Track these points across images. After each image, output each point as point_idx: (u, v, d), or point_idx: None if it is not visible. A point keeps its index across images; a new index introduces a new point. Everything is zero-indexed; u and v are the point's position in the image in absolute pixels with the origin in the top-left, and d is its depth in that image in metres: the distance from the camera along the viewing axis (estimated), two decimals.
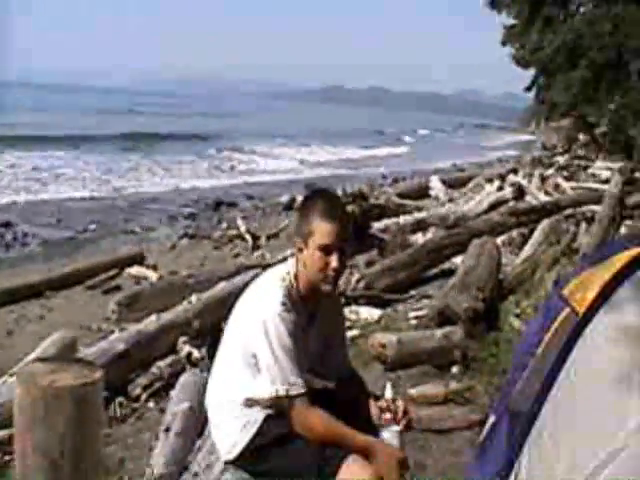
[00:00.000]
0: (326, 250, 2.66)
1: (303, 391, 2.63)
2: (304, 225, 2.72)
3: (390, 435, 2.73)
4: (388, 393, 2.93)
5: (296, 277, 2.76)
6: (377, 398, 2.94)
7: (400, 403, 2.86)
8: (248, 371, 2.70)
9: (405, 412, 2.84)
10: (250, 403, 2.70)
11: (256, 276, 3.09)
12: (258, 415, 2.70)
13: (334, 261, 2.66)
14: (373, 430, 2.77)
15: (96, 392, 2.12)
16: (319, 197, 2.78)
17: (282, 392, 2.61)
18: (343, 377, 3.03)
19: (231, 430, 2.75)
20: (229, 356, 2.82)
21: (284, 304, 2.66)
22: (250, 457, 2.71)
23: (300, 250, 2.75)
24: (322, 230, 2.66)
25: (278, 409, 2.67)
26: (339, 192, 12.43)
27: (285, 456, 2.66)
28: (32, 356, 5.16)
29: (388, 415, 2.81)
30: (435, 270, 8.98)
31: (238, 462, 2.73)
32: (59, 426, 2.02)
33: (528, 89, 34.68)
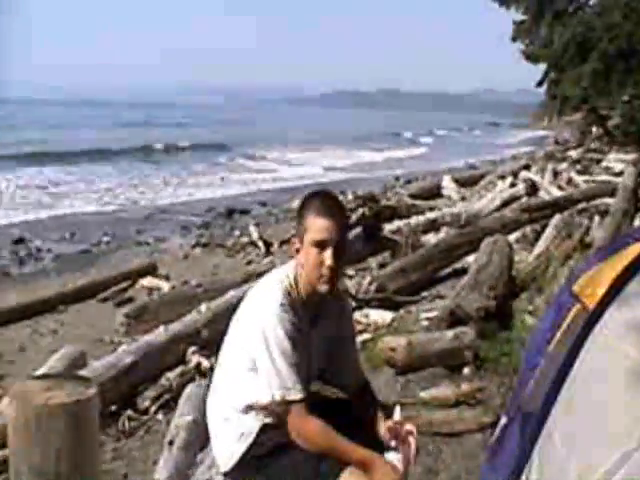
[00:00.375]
0: (320, 246, 2.62)
1: (301, 396, 2.58)
2: (300, 224, 2.70)
3: (394, 458, 2.66)
4: (397, 416, 2.85)
5: (295, 279, 2.72)
6: (388, 415, 2.88)
7: (409, 428, 2.78)
8: (246, 376, 2.66)
9: (411, 435, 2.75)
10: (248, 409, 2.67)
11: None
12: (255, 424, 2.66)
13: (329, 258, 2.61)
14: (379, 447, 2.71)
15: (91, 409, 2.10)
16: (314, 196, 2.75)
17: (278, 397, 2.57)
18: (355, 387, 2.96)
19: (228, 440, 2.71)
20: (228, 362, 2.79)
21: (282, 305, 2.62)
22: (247, 468, 2.66)
23: (297, 251, 2.71)
24: (316, 226, 2.62)
25: (276, 416, 2.63)
26: (350, 195, 12.41)
27: (282, 467, 2.61)
28: (42, 371, 5.17)
29: (393, 443, 2.74)
30: (448, 270, 8.92)
31: (234, 473, 2.68)
32: (54, 445, 2.00)
33: (539, 84, 34.58)
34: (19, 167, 27.52)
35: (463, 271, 8.16)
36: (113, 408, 4.75)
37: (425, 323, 6.49)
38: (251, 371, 2.64)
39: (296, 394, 2.57)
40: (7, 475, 2.94)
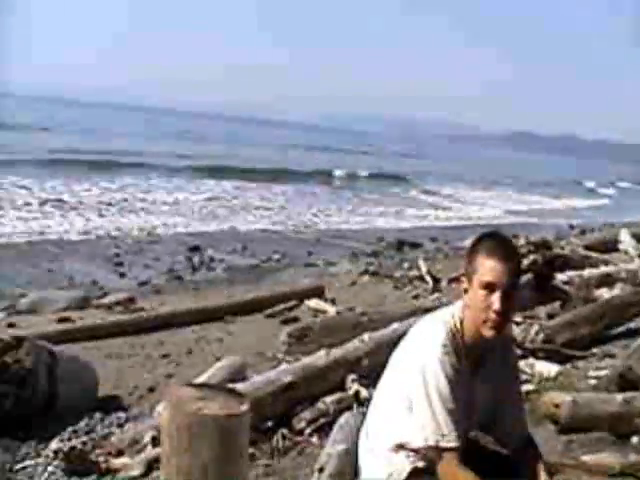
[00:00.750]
0: (489, 288, 2.53)
1: (455, 445, 2.49)
2: (470, 264, 2.63)
3: None
4: None
5: (461, 320, 2.64)
6: (551, 474, 2.73)
7: None
8: (401, 415, 2.60)
9: None
10: (398, 449, 2.60)
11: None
12: (405, 466, 2.59)
13: (496, 302, 2.52)
14: None
15: (241, 424, 2.11)
16: (488, 236, 2.68)
17: (432, 442, 2.49)
18: (517, 441, 2.82)
19: (376, 478, 2.65)
20: (384, 398, 2.74)
21: (445, 346, 2.55)
22: None
23: (465, 291, 2.64)
24: (486, 267, 2.54)
25: (427, 461, 2.55)
26: (522, 239, 12.08)
27: None
28: (204, 377, 5.31)
29: None
30: (621, 328, 8.48)
31: None
32: (203, 454, 2.03)
33: None
34: (203, 179, 28.80)
35: (637, 332, 7.75)
36: (269, 424, 4.79)
37: (593, 382, 6.18)
38: (407, 410, 2.58)
39: (450, 442, 2.48)
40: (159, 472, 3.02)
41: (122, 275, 12.46)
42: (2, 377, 4.67)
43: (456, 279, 11.64)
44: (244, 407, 2.12)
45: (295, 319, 8.42)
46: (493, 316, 2.54)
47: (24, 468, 4.17)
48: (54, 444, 4.33)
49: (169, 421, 2.08)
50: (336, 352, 5.95)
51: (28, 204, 19.68)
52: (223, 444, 2.05)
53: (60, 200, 20.48)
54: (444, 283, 11.36)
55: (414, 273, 11.85)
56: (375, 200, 28.72)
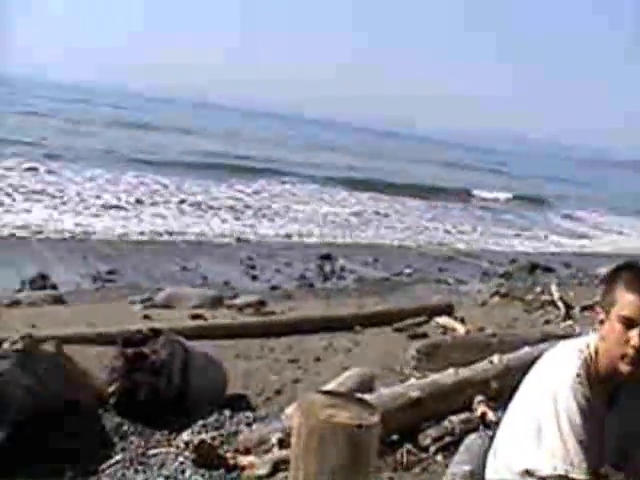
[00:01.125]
0: (627, 324, 2.42)
1: (585, 477, 2.39)
2: (607, 295, 2.52)
3: None
4: None
5: (596, 351, 2.54)
6: None
7: None
8: (530, 441, 2.52)
9: None
10: (525, 475, 2.53)
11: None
12: None
13: (635, 337, 2.40)
14: None
15: (371, 435, 2.12)
16: (629, 268, 2.54)
17: (561, 471, 2.40)
18: None
19: None
20: (514, 421, 2.68)
21: (578, 376, 2.46)
22: None
23: (601, 322, 2.53)
24: (624, 300, 2.43)
25: None
26: None
27: None
28: (331, 385, 5.35)
29: None
30: None
31: None
32: (331, 461, 2.05)
33: None
34: (337, 188, 29.11)
35: None
36: (393, 438, 4.78)
37: None
38: (536, 437, 2.50)
39: (580, 474, 2.39)
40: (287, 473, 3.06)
41: (254, 278, 12.75)
42: (139, 367, 4.86)
43: (590, 307, 11.28)
44: (375, 418, 2.13)
45: (424, 335, 8.36)
46: (631, 352, 2.43)
47: (155, 455, 4.33)
48: (185, 436, 4.47)
49: (300, 426, 2.11)
50: (465, 372, 5.88)
51: (167, 202, 20.47)
52: (352, 453, 2.07)
53: (199, 203, 21.16)
54: (577, 310, 11.04)
55: (546, 297, 11.55)
56: (511, 221, 28.26)
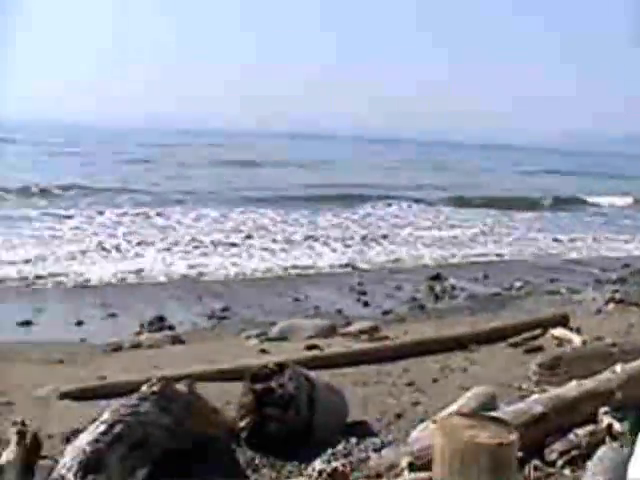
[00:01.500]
0: None
1: None
2: None
3: None
4: None
5: None
6: None
7: None
8: None
9: None
10: None
11: None
12: None
13: None
14: None
15: (511, 453, 2.16)
16: None
17: None
18: None
19: None
20: None
21: None
22: None
23: None
24: None
25: None
26: None
27: None
28: (453, 407, 5.36)
29: None
30: None
31: None
32: None
33: None
34: (441, 207, 29.00)
35: None
36: (520, 454, 4.75)
37: None
38: None
39: None
40: None
41: (366, 304, 12.82)
42: (268, 401, 5.01)
43: None
44: (513, 436, 2.17)
45: (539, 348, 8.24)
46: None
47: None
48: (317, 464, 4.56)
49: (442, 448, 2.17)
50: (587, 383, 5.79)
51: (274, 235, 20.85)
52: (494, 471, 2.11)
53: (305, 234, 21.43)
54: None
55: None
56: (623, 226, 27.42)
